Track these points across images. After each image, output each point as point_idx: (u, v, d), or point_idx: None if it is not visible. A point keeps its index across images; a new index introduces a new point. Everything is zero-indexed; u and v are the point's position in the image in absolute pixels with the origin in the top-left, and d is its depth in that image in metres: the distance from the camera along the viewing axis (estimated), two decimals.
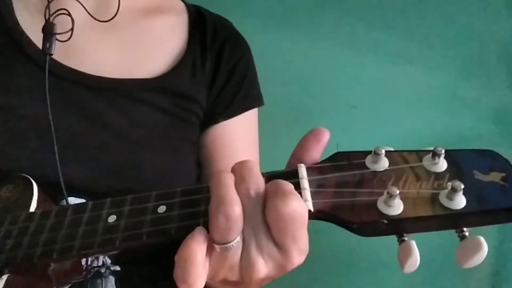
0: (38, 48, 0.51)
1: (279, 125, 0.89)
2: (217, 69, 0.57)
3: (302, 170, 0.33)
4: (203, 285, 0.30)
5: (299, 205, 0.29)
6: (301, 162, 0.34)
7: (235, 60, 0.58)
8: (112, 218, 0.35)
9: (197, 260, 0.29)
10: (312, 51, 0.93)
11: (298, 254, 0.30)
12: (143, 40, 0.56)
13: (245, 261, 0.30)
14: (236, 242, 0.30)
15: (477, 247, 0.29)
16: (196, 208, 0.33)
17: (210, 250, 0.30)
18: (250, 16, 0.92)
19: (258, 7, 0.93)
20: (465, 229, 0.31)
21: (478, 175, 0.32)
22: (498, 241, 0.90)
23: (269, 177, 0.34)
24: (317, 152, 0.34)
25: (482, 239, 0.29)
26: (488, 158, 0.33)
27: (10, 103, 0.49)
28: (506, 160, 0.33)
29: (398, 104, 0.93)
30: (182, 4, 0.61)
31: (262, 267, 0.30)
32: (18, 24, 0.52)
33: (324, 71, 0.94)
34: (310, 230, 0.31)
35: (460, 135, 0.91)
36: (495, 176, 0.32)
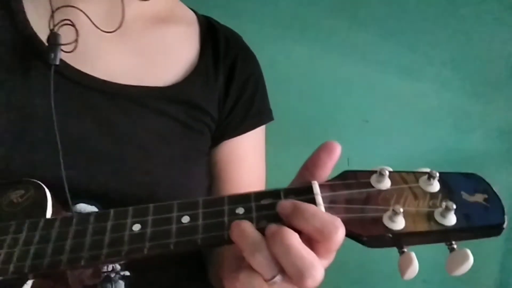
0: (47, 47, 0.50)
1: (290, 137, 0.90)
2: (229, 83, 0.58)
3: (316, 187, 0.37)
4: None
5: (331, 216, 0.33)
6: (313, 176, 0.38)
7: (247, 75, 0.60)
8: (136, 227, 0.37)
9: None
10: (324, 63, 0.94)
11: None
12: (155, 47, 0.56)
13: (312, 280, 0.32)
14: (278, 277, 0.33)
15: (465, 258, 0.34)
16: (219, 219, 0.36)
17: None
18: (261, 27, 0.92)
19: (270, 18, 0.93)
20: (453, 242, 0.36)
21: (465, 196, 0.37)
22: (502, 253, 0.96)
23: (286, 192, 0.37)
24: (330, 167, 0.38)
25: (469, 251, 0.35)
26: (473, 181, 0.38)
27: (21, 103, 0.49)
28: (487, 183, 0.38)
29: (409, 119, 0.95)
30: (193, 14, 0.62)
31: (321, 274, 0.33)
32: (29, 24, 0.52)
33: (336, 84, 0.95)
34: None
35: (469, 152, 0.94)
36: (479, 197, 0.37)
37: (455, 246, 0.36)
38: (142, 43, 0.56)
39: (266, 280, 0.33)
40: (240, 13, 0.89)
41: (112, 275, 0.47)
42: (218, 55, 0.59)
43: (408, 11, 0.94)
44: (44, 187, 0.44)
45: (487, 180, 0.38)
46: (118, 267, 0.48)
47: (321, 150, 0.38)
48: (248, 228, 0.34)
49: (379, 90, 0.95)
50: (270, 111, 0.63)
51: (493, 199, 0.37)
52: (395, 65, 0.94)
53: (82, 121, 0.50)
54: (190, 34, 0.59)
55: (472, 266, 0.34)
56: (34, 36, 0.51)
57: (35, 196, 0.43)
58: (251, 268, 0.33)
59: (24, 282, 0.37)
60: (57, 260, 0.36)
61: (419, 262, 0.35)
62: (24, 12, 0.52)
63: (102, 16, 0.53)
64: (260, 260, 0.32)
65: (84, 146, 0.49)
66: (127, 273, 0.48)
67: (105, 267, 0.48)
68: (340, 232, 0.32)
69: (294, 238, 0.32)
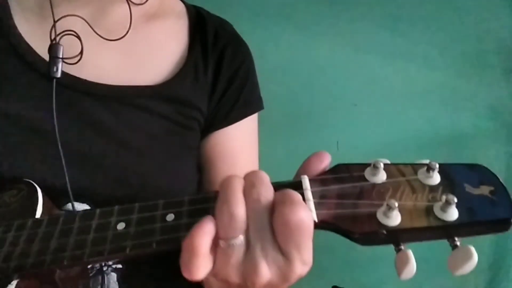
0: (37, 55, 0.50)
1: (279, 123, 0.89)
2: (218, 74, 0.57)
3: (306, 182, 0.35)
4: (204, 275, 0.32)
5: (306, 215, 0.31)
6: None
7: (236, 66, 0.59)
8: (121, 226, 0.36)
9: (201, 250, 0.31)
10: (312, 49, 0.94)
11: (301, 264, 0.32)
12: (143, 46, 0.55)
13: (249, 263, 0.31)
14: (239, 241, 0.31)
15: (468, 256, 0.32)
16: (204, 217, 0.35)
17: (216, 244, 0.32)
18: (249, 14, 0.93)
19: (257, 4, 0.94)
20: (456, 238, 0.33)
21: (469, 188, 0.34)
22: (494, 242, 0.93)
23: (274, 187, 0.35)
24: (321, 171, 0.36)
25: (472, 248, 0.32)
26: (478, 172, 0.35)
27: (9, 110, 0.48)
28: (494, 174, 0.35)
29: (397, 101, 0.95)
30: (182, 5, 0.61)
31: (265, 271, 0.32)
32: (16, 29, 0.51)
33: (324, 69, 0.95)
34: None
35: (458, 131, 0.94)
36: (484, 190, 0.34)
37: (458, 243, 0.33)
38: (131, 42, 0.55)
39: (224, 239, 0.31)
40: (230, 2, 0.89)
41: (104, 268, 0.47)
42: (207, 47, 0.57)
43: None
44: (37, 187, 0.43)
45: (493, 171, 0.35)
46: (109, 262, 0.47)
47: (312, 157, 0.37)
48: (237, 181, 0.33)
49: (367, 74, 0.95)
50: (259, 100, 0.62)
51: (500, 191, 0.34)
52: (382, 48, 0.94)
53: (72, 124, 0.50)
54: (179, 28, 0.58)
55: None
56: (21, 39, 0.51)
57: (27, 196, 0.43)
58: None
59: (9, 282, 0.36)
60: (41, 260, 0.35)
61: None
62: (10, 15, 0.51)
63: (91, 19, 0.52)
64: (228, 212, 0.31)
65: (75, 148, 0.49)
66: (119, 266, 0.47)
67: (97, 265, 0.47)
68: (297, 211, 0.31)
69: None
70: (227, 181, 0.33)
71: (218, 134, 0.58)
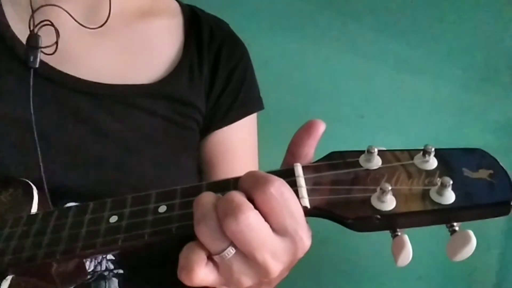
0: None
1: (284, 133, 0.87)
2: (215, 73, 0.57)
3: (298, 169, 0.35)
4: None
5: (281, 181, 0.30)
6: (296, 158, 0.35)
7: (233, 64, 0.58)
8: (113, 219, 0.36)
9: (199, 279, 0.30)
10: (318, 58, 0.93)
11: (307, 237, 0.31)
12: (138, 43, 0.55)
13: (255, 265, 0.30)
14: (228, 251, 0.30)
15: (466, 240, 0.30)
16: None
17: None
18: (255, 21, 0.92)
19: (264, 11, 0.93)
20: (455, 224, 0.32)
21: (467, 172, 0.33)
22: (500, 250, 0.90)
23: None
24: (311, 146, 0.35)
25: (471, 232, 0.31)
26: (477, 156, 0.34)
27: (2, 108, 0.48)
28: (493, 158, 0.34)
29: (405, 114, 0.93)
30: (176, 4, 0.60)
31: (274, 265, 0.30)
32: (8, 26, 0.51)
33: (331, 79, 0.94)
34: (315, 240, 0.32)
35: (466, 146, 0.92)
36: (483, 173, 0.33)
37: (456, 228, 0.32)
38: (125, 40, 0.55)
39: (215, 254, 0.30)
40: (234, 7, 0.89)
41: (106, 273, 0.46)
42: (202, 46, 0.57)
43: (404, 4, 0.91)
44: (32, 186, 0.44)
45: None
46: (111, 266, 0.47)
47: (302, 129, 0.36)
48: (205, 197, 0.31)
49: (375, 85, 0.93)
50: (259, 99, 0.61)
51: (500, 174, 0.33)
52: (391, 59, 0.93)
53: (68, 124, 0.49)
54: (174, 26, 0.58)
55: (470, 264, 0.30)
56: (13, 37, 0.51)
57: (23, 194, 0.43)
58: (196, 242, 0.30)
59: (3, 278, 0.36)
60: (34, 254, 0.35)
61: (414, 258, 0.31)
62: (2, 11, 0.51)
63: (84, 14, 0.52)
64: (204, 230, 0.29)
65: (72, 148, 0.49)
66: (120, 271, 0.47)
67: (98, 267, 0.47)
68: (272, 184, 0.30)
69: (238, 196, 0.29)
70: (196, 200, 0.32)
71: (219, 133, 0.57)
